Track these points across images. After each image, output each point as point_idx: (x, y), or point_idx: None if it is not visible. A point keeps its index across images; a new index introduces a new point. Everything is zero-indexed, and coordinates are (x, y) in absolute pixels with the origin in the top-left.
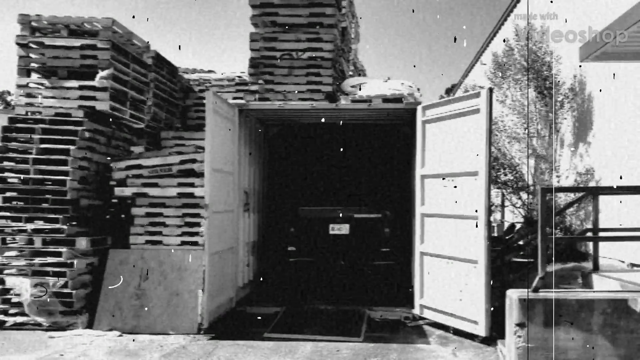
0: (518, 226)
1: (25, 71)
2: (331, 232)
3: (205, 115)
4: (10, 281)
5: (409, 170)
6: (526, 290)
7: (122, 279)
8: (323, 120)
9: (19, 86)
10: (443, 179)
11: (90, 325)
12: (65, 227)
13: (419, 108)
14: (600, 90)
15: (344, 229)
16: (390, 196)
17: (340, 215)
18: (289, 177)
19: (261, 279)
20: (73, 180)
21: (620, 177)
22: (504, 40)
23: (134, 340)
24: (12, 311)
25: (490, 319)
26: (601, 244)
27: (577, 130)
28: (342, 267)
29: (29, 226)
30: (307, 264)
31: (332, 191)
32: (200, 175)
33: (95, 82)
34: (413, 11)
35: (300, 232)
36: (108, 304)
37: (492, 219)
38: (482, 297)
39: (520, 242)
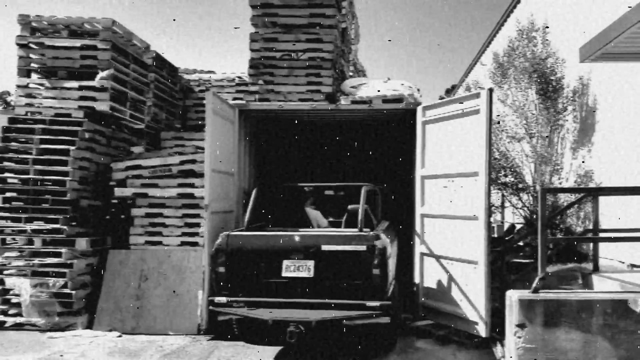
0: (518, 227)
1: (25, 71)
2: (285, 273)
3: (205, 116)
4: (10, 281)
5: (410, 174)
6: (526, 290)
7: (122, 278)
8: (323, 121)
9: (19, 86)
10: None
11: (90, 325)
12: (65, 227)
13: (419, 109)
14: (600, 109)
15: (304, 268)
16: (391, 205)
17: (299, 245)
18: (288, 178)
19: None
20: (73, 180)
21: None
22: (509, 48)
23: (133, 340)
24: (11, 311)
25: (490, 320)
26: (601, 245)
27: (578, 132)
28: (300, 335)
29: (29, 226)
30: (244, 325)
31: (333, 195)
32: (200, 175)
33: (95, 83)
34: None
35: (233, 274)
36: (108, 305)
37: (492, 219)
38: (482, 297)
39: (521, 243)
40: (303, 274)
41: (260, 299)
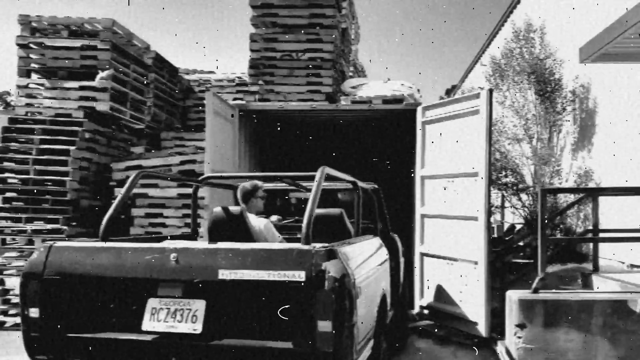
0: (518, 227)
1: (25, 72)
2: (148, 324)
3: (205, 116)
4: (10, 282)
5: (410, 174)
6: (526, 291)
7: None
8: (323, 121)
9: (19, 87)
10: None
11: None
12: (65, 227)
13: (419, 109)
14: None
15: (186, 314)
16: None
17: (177, 269)
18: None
19: None
20: (73, 180)
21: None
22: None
23: None
24: (12, 312)
25: (490, 320)
26: (601, 245)
27: (578, 133)
28: None
29: (29, 227)
30: None
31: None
32: (200, 175)
33: (96, 83)
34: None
35: (56, 320)
36: None
37: (492, 219)
38: (482, 297)
39: (520, 243)
40: (182, 328)
41: None
